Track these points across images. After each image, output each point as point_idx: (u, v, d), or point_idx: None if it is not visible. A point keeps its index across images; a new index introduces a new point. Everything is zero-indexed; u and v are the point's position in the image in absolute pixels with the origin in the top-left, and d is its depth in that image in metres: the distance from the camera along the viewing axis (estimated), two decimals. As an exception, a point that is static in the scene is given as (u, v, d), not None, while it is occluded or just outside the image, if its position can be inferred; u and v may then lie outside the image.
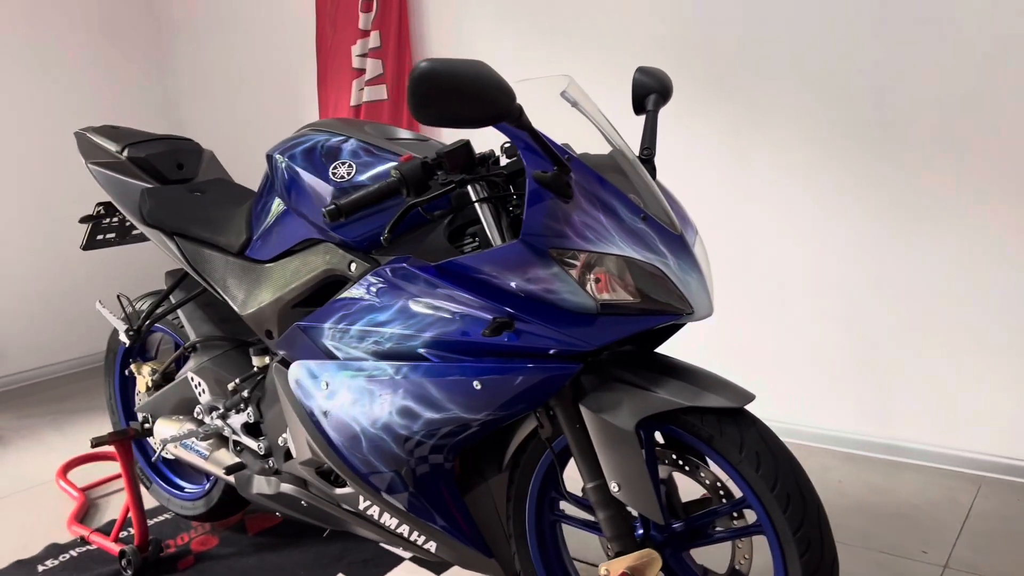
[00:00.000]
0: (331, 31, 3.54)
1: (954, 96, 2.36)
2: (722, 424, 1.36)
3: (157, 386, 2.19)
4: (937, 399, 2.53)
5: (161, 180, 2.10)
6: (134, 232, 2.34)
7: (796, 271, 2.65)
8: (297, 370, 1.64)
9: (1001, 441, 2.46)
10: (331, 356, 1.60)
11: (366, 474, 1.61)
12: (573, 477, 1.63)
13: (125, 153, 2.10)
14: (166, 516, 2.45)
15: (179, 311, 2.11)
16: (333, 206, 1.35)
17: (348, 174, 1.57)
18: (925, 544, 2.13)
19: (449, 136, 3.29)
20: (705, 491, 1.47)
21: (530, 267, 1.30)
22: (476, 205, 1.42)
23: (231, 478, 1.96)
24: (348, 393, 1.54)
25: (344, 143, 1.62)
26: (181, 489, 2.38)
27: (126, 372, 2.34)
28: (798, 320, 2.69)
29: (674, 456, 1.48)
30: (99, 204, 2.23)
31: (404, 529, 1.67)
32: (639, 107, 1.64)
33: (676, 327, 1.47)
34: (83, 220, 2.20)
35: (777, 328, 2.73)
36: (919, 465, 2.57)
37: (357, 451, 1.58)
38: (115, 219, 2.27)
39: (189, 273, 1.96)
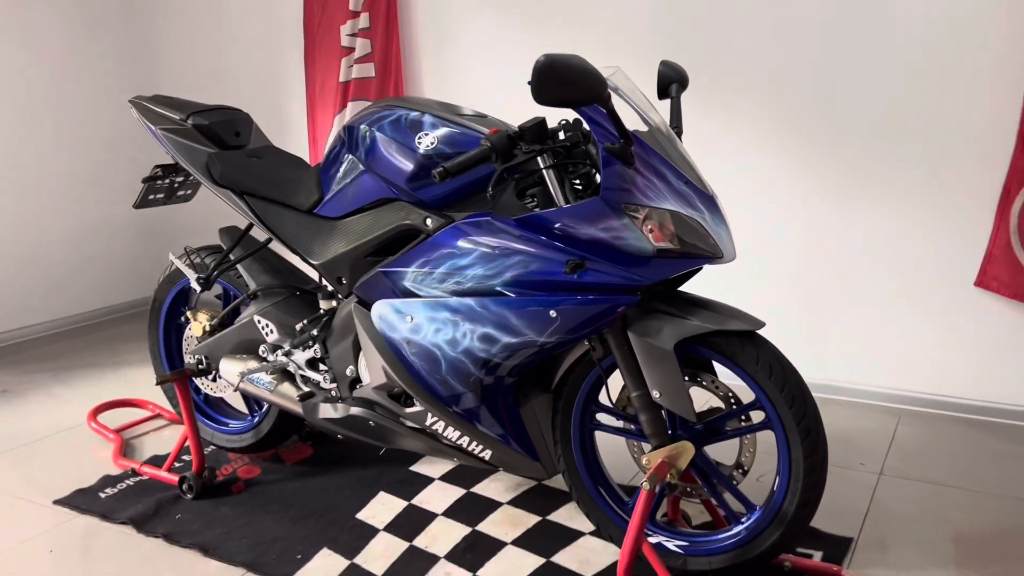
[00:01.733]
0: (319, 10, 3.78)
1: (885, 96, 2.83)
2: (742, 344, 1.76)
3: (213, 331, 2.44)
4: (863, 346, 3.03)
5: (221, 145, 2.36)
6: (179, 194, 2.58)
7: (752, 239, 3.08)
8: (381, 307, 1.96)
9: (916, 379, 2.96)
10: (410, 295, 1.93)
11: (439, 393, 1.94)
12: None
13: (190, 121, 2.34)
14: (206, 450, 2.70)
15: (239, 264, 2.38)
16: (442, 168, 1.68)
17: (432, 143, 1.90)
18: (861, 459, 2.61)
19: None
20: (718, 400, 1.87)
21: (605, 219, 1.66)
22: (544, 170, 1.77)
23: (297, 407, 2.25)
24: (432, 324, 1.87)
25: (423, 116, 1.94)
26: (225, 424, 2.65)
27: (182, 318, 2.58)
28: (753, 280, 3.13)
29: (692, 373, 1.87)
30: (157, 167, 2.47)
31: (464, 440, 2.01)
32: (663, 94, 2.01)
33: (696, 270, 1.85)
34: (145, 180, 2.43)
35: (734, 285, 3.16)
36: (850, 401, 3.06)
37: (435, 373, 1.91)
38: (166, 181, 2.51)
39: (261, 228, 2.23)
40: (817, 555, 2.04)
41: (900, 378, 3.00)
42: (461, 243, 1.83)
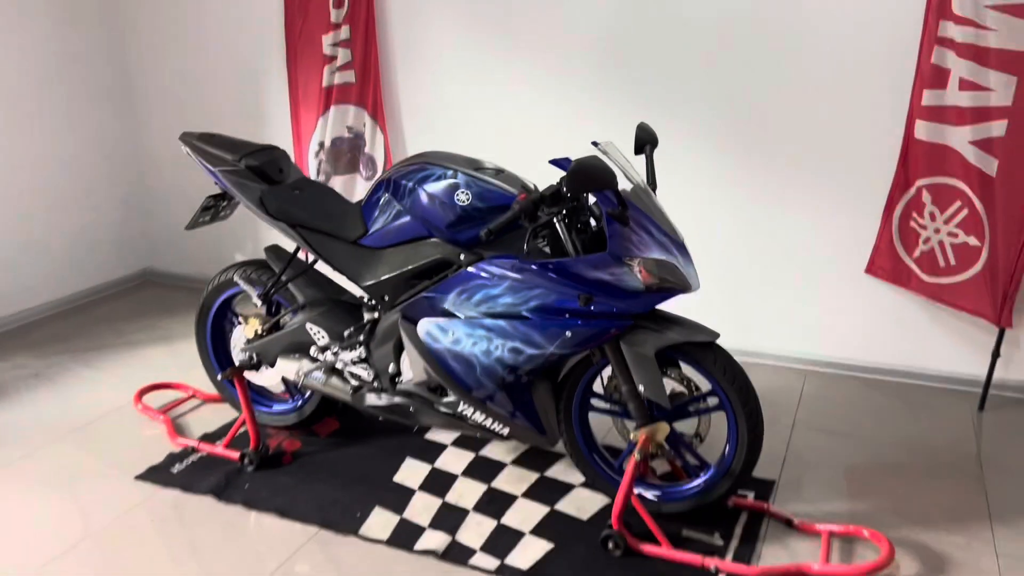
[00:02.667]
0: (300, 19, 4.16)
1: (796, 116, 3.48)
2: (703, 350, 2.40)
3: (262, 334, 2.94)
4: (778, 318, 3.74)
5: (269, 182, 2.82)
6: (221, 215, 3.03)
7: (691, 230, 3.72)
8: (427, 324, 2.51)
9: (819, 345, 3.71)
10: (448, 316, 2.49)
11: (472, 388, 2.53)
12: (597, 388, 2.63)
13: (243, 162, 2.79)
14: (243, 430, 3.22)
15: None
16: (487, 230, 2.24)
17: (467, 199, 2.44)
18: (777, 414, 3.33)
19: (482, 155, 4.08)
20: (680, 388, 2.52)
21: (610, 267, 2.26)
22: (557, 224, 2.35)
23: (346, 396, 2.80)
24: (470, 339, 2.45)
25: (458, 176, 2.47)
26: (269, 406, 3.17)
27: (237, 321, 3.06)
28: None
29: (664, 369, 2.51)
30: (210, 197, 2.92)
31: (488, 421, 2.61)
32: (639, 151, 2.59)
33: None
34: (202, 209, 2.88)
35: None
36: (767, 364, 3.79)
37: (470, 375, 2.49)
38: (213, 208, 2.96)
39: (312, 254, 2.73)
40: (750, 495, 2.74)
41: (807, 344, 3.73)
42: (493, 277, 2.40)
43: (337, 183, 4.27)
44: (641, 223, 2.30)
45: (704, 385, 2.48)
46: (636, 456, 2.41)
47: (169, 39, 4.59)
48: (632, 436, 2.48)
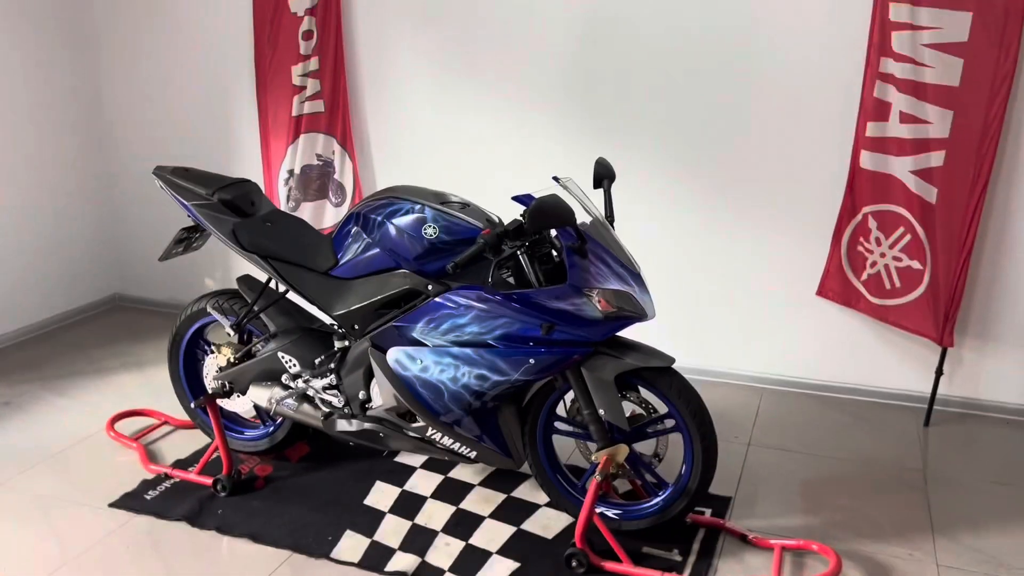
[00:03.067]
0: (270, 50, 4.26)
1: (749, 146, 3.64)
2: (659, 374, 2.53)
3: (235, 362, 3.02)
4: (734, 339, 3.89)
5: (242, 215, 2.91)
6: (193, 245, 3.11)
7: (649, 257, 3.87)
8: (396, 353, 2.61)
9: (773, 364, 3.86)
10: (417, 344, 2.59)
11: (440, 413, 2.63)
12: (560, 412, 2.75)
13: (216, 196, 2.88)
14: (216, 455, 3.28)
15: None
16: (453, 264, 2.35)
17: (435, 233, 2.55)
18: (734, 432, 3.47)
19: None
20: (639, 410, 2.64)
21: (570, 297, 2.38)
22: (520, 257, 2.47)
23: (317, 422, 2.88)
24: (437, 367, 2.55)
25: (425, 211, 2.58)
26: (241, 432, 3.24)
27: (209, 349, 3.13)
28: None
29: (622, 392, 2.64)
30: (183, 230, 3.00)
31: (456, 445, 2.71)
32: (597, 185, 2.72)
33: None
34: (176, 241, 2.96)
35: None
36: (724, 383, 3.93)
37: (439, 401, 2.60)
38: (185, 240, 3.04)
39: (283, 285, 2.82)
40: (707, 511, 2.86)
41: (762, 364, 3.88)
42: (460, 307, 2.51)
43: (307, 209, 4.36)
44: (599, 255, 2.43)
45: (661, 408, 2.61)
46: (597, 477, 2.52)
47: (141, 67, 4.66)
48: (594, 457, 2.60)
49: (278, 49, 4.22)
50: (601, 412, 2.53)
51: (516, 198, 2.41)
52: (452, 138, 4.12)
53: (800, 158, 3.60)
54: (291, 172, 4.34)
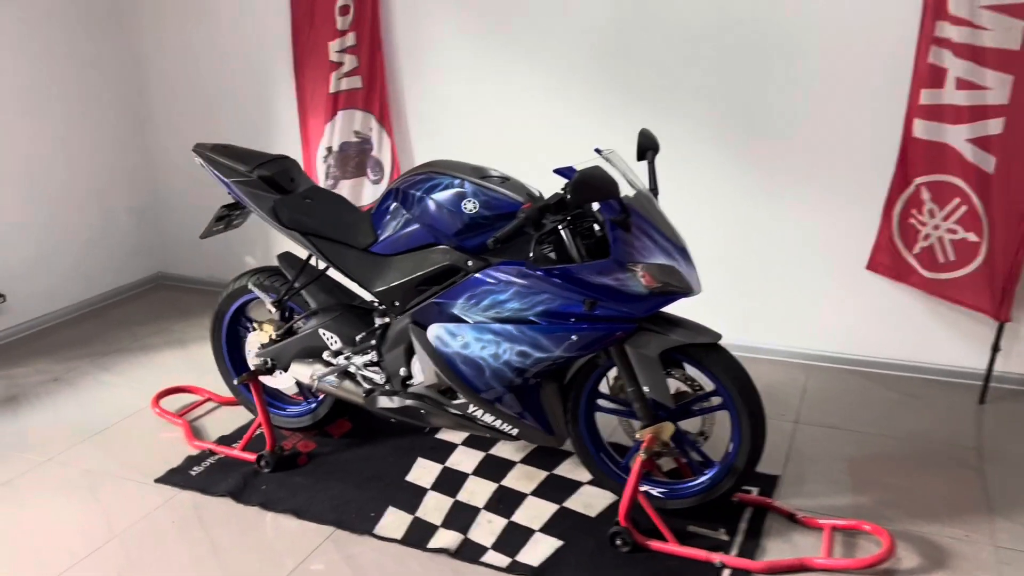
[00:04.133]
0: (307, 27, 4.23)
1: (796, 113, 3.54)
2: (707, 351, 2.47)
3: (277, 339, 3.02)
4: (779, 314, 3.81)
5: (281, 191, 2.90)
6: (234, 223, 3.11)
7: (693, 230, 3.78)
8: (437, 329, 2.59)
9: (820, 340, 3.77)
10: (457, 320, 2.56)
11: (481, 390, 2.60)
12: (603, 388, 2.70)
13: (256, 173, 2.87)
14: (259, 432, 3.30)
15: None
16: (494, 239, 2.31)
17: (475, 208, 2.50)
18: (780, 410, 3.40)
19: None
20: (684, 388, 2.59)
21: (614, 272, 2.33)
22: (561, 231, 2.42)
23: (359, 399, 2.88)
24: (479, 343, 2.52)
25: (464, 185, 2.54)
26: (283, 409, 3.25)
27: (251, 327, 3.13)
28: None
29: (667, 368, 2.58)
30: (224, 207, 3.00)
31: (497, 422, 2.68)
32: (641, 157, 2.66)
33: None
34: (216, 219, 2.96)
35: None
36: (769, 359, 3.85)
37: (480, 378, 2.57)
38: (226, 217, 3.04)
39: (323, 261, 2.80)
40: (754, 490, 2.81)
41: (809, 340, 3.80)
42: (500, 283, 2.47)
43: (345, 187, 4.34)
44: (643, 229, 2.36)
45: (707, 385, 2.55)
46: (642, 455, 2.48)
47: (180, 47, 4.66)
48: (638, 435, 2.55)
49: (315, 25, 4.19)
50: (645, 390, 2.48)
51: (558, 171, 2.36)
52: (490, 112, 4.06)
53: (848, 127, 3.49)
54: (329, 149, 4.32)
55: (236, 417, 3.43)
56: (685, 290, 2.39)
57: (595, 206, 2.48)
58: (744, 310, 3.87)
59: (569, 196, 2.21)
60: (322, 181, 4.37)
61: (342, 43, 4.16)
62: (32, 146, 4.36)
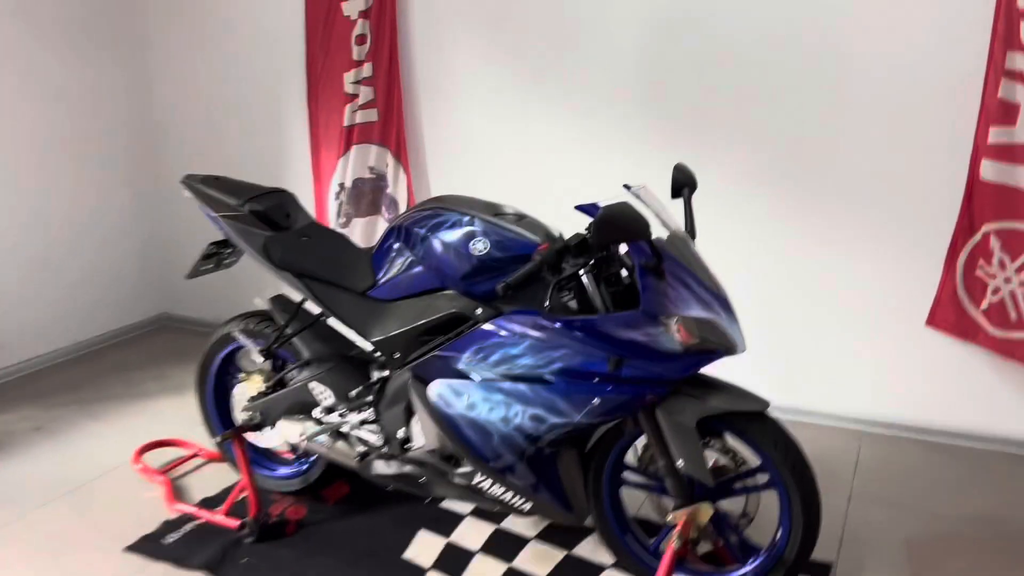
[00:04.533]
0: (322, 56, 3.99)
1: (852, 156, 3.20)
2: (751, 420, 2.11)
3: (266, 392, 2.71)
4: (829, 374, 3.43)
5: (275, 228, 2.61)
6: (225, 263, 2.82)
7: (733, 279, 3.44)
8: (440, 387, 2.26)
9: (875, 404, 3.38)
10: (463, 377, 2.24)
11: (489, 459, 2.26)
12: (630, 458, 2.35)
13: (247, 207, 2.59)
14: (244, 495, 2.97)
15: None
16: (505, 284, 1.99)
17: (485, 248, 2.19)
18: (832, 483, 3.01)
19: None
20: (725, 461, 2.23)
21: (644, 326, 1.99)
22: (583, 277, 2.09)
23: (352, 463, 2.55)
24: (486, 404, 2.19)
25: (474, 223, 2.23)
26: (273, 470, 2.92)
27: (239, 377, 2.83)
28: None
29: (705, 438, 2.22)
30: (212, 244, 2.71)
31: (508, 495, 2.34)
32: (676, 194, 2.34)
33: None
34: (203, 258, 2.68)
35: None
36: (815, 424, 3.47)
37: (487, 444, 2.23)
38: (215, 256, 2.75)
39: (319, 306, 2.49)
40: (804, 580, 2.42)
41: (862, 403, 3.41)
42: (512, 335, 2.14)
43: (358, 225, 4.06)
44: (679, 276, 2.03)
45: (752, 458, 2.19)
46: (675, 543, 2.12)
47: (189, 79, 4.46)
48: (670, 517, 2.19)
49: (330, 54, 3.96)
50: (680, 464, 2.13)
51: (580, 207, 2.04)
52: (513, 149, 3.77)
53: (908, 168, 3.15)
54: (342, 186, 4.05)
55: (225, 476, 3.12)
56: (727, 347, 2.05)
57: (623, 248, 2.16)
58: (789, 369, 3.50)
59: (592, 236, 1.88)
60: (334, 219, 4.10)
61: (358, 74, 3.91)
62: (32, 177, 4.15)
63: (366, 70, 3.90)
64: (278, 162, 4.31)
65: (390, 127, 3.94)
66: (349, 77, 3.93)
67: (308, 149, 4.17)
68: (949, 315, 3.20)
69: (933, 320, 3.23)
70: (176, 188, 4.61)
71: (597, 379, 2.07)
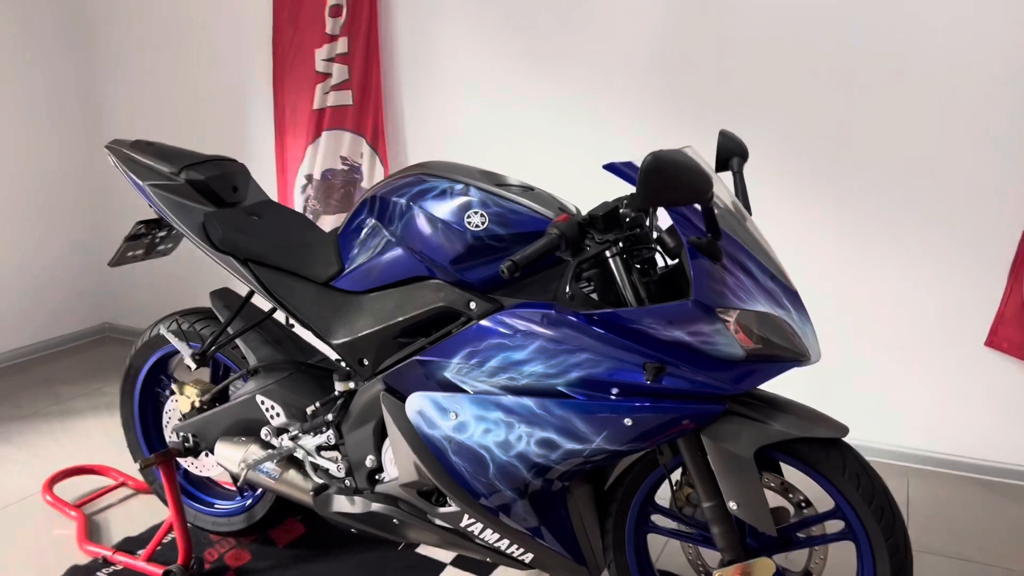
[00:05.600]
0: (290, 30, 3.51)
1: (904, 156, 2.75)
2: (827, 451, 1.62)
3: (202, 407, 2.19)
4: (872, 401, 2.95)
5: (218, 203, 2.11)
6: (159, 248, 2.31)
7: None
8: (420, 401, 1.75)
9: (924, 437, 2.91)
10: (451, 388, 1.73)
11: (481, 495, 1.75)
12: (661, 495, 1.85)
13: (183, 176, 2.08)
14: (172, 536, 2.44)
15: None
16: (511, 262, 1.49)
17: (482, 223, 1.70)
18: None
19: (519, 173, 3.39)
20: (783, 501, 1.74)
21: (696, 323, 1.50)
22: (609, 259, 1.61)
23: (306, 498, 2.02)
24: (481, 424, 1.68)
25: (469, 191, 1.74)
26: (210, 505, 2.39)
27: (169, 391, 2.31)
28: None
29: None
30: (140, 223, 2.20)
31: (503, 543, 1.83)
32: (723, 167, 1.86)
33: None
34: (128, 239, 2.16)
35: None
36: (856, 458, 2.98)
37: (480, 476, 1.72)
38: (147, 238, 2.24)
39: (267, 299, 1.98)
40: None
41: (910, 435, 2.94)
42: (516, 334, 1.65)
43: (327, 223, 3.56)
44: (738, 260, 1.55)
45: (815, 497, 1.69)
46: (727, 612, 1.61)
47: (135, 54, 3.95)
48: (717, 575, 1.68)
49: (299, 28, 3.48)
50: (732, 507, 1.63)
51: (610, 167, 1.56)
52: (508, 139, 3.30)
53: (962, 170, 2.70)
54: (309, 178, 3.55)
55: (156, 511, 2.58)
56: (797, 354, 1.56)
57: (662, 221, 1.67)
58: (825, 395, 3.02)
59: (639, 191, 1.39)
60: (299, 217, 3.59)
61: (331, 50, 3.43)
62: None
63: (341, 45, 3.42)
64: (237, 149, 3.80)
65: (366, 111, 3.46)
66: (321, 53, 3.45)
67: (272, 134, 3.67)
68: (1013, 334, 2.74)
69: (994, 339, 2.77)
70: (122, 185, 4.11)
71: (629, 393, 1.57)
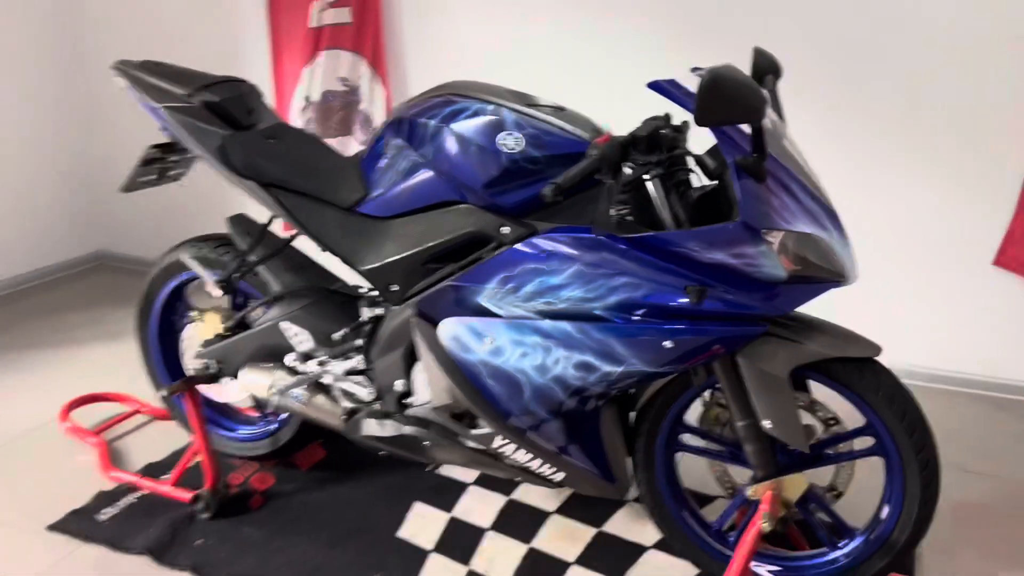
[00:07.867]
0: (285, -58, 3.39)
1: (913, 69, 2.72)
2: (861, 371, 1.65)
3: (224, 335, 2.17)
4: (879, 320, 2.99)
5: (235, 126, 2.06)
6: (170, 174, 2.27)
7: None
8: (454, 326, 1.75)
9: (932, 355, 2.96)
10: (484, 313, 1.73)
11: (514, 417, 1.77)
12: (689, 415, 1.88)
13: (198, 98, 2.02)
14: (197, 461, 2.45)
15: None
16: (554, 184, 1.48)
17: (517, 145, 1.67)
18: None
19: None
20: (812, 420, 1.77)
21: (741, 244, 1.50)
22: (648, 183, 1.59)
23: (336, 422, 2.04)
24: (517, 348, 1.69)
25: (502, 112, 1.71)
26: (233, 431, 2.40)
27: (188, 318, 2.29)
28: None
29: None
30: (154, 147, 2.14)
31: (534, 463, 1.85)
32: (758, 82, 1.83)
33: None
34: (143, 163, 2.11)
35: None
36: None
37: (515, 399, 1.74)
38: (159, 163, 2.19)
39: (292, 225, 1.95)
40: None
41: (918, 354, 2.98)
42: (552, 258, 1.64)
43: (327, 147, 3.49)
44: (781, 180, 1.54)
45: (846, 415, 1.73)
46: (764, 528, 1.65)
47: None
48: (750, 492, 1.73)
49: (296, -60, 3.35)
50: (766, 425, 1.66)
51: (653, 85, 1.53)
52: (515, 58, 3.22)
53: (974, 84, 2.68)
54: (307, 100, 3.47)
55: (174, 437, 2.59)
56: (837, 275, 1.58)
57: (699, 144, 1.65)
58: (831, 315, 3.04)
59: (696, 111, 1.37)
60: (299, 140, 3.52)
61: (328, -35, 3.31)
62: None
63: (339, -41, 3.30)
64: (231, 70, 3.68)
65: (365, 30, 3.36)
66: (318, -32, 3.33)
67: (268, 55, 3.56)
68: (1022, 253, 2.77)
69: (1002, 259, 2.80)
70: (116, 97, 3.98)
71: (668, 315, 1.58)
